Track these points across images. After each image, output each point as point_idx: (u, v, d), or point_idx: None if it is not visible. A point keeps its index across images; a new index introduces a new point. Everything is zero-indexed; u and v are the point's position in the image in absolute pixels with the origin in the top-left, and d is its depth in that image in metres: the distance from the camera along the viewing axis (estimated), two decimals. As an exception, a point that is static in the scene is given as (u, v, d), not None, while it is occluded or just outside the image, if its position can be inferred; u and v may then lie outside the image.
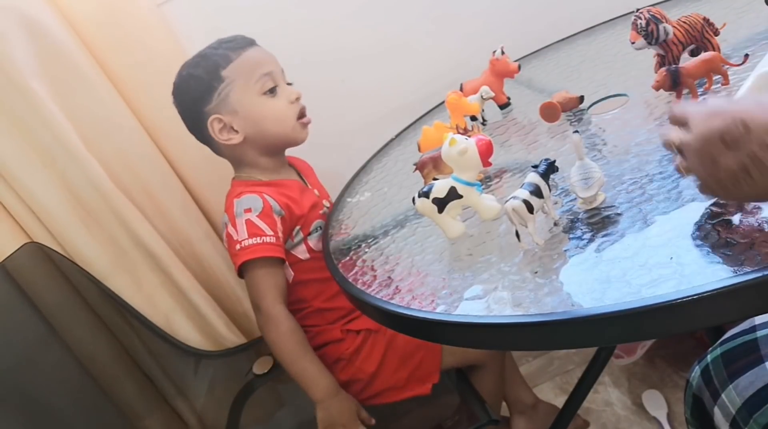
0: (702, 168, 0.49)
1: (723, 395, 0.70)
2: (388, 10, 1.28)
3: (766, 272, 0.45)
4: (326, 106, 1.29)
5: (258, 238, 0.94)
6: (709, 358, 0.75)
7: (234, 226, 0.95)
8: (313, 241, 1.01)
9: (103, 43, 1.12)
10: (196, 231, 1.22)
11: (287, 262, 0.99)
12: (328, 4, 1.25)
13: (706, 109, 0.49)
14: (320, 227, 1.02)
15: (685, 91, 0.76)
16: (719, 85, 0.76)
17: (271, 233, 0.95)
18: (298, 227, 1.00)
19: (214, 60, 0.97)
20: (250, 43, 1.00)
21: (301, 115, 1.02)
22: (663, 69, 0.76)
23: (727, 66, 0.75)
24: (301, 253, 1.01)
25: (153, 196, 1.18)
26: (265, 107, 0.98)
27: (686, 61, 0.77)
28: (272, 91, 0.99)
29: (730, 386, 0.70)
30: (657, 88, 0.77)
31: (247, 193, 0.98)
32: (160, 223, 1.18)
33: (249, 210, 0.95)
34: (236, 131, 0.98)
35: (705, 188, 0.51)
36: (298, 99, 1.01)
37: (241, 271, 0.95)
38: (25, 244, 1.07)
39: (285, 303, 0.96)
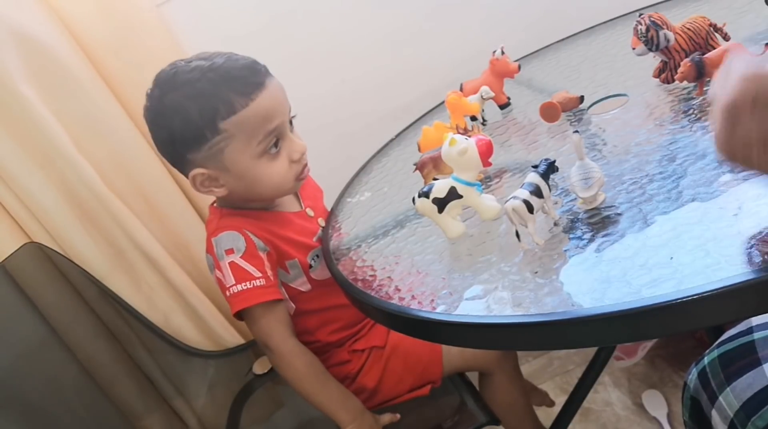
0: (720, 127, 0.46)
1: (720, 398, 0.70)
2: (388, 10, 1.28)
3: (766, 272, 0.45)
4: (326, 106, 1.29)
5: (247, 283, 0.85)
6: (706, 360, 0.75)
7: (219, 270, 0.87)
8: (315, 273, 0.93)
9: (101, 45, 1.12)
10: (192, 233, 1.22)
11: (288, 295, 0.92)
12: (329, 4, 1.25)
13: (756, 66, 0.44)
14: (318, 256, 0.93)
15: (707, 80, 0.76)
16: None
17: (260, 275, 0.85)
18: (293, 260, 0.91)
19: (213, 104, 0.79)
20: (261, 83, 0.81)
21: (301, 171, 0.88)
22: (687, 60, 0.75)
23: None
24: (302, 285, 0.93)
25: (149, 199, 1.18)
26: (262, 171, 0.84)
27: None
28: (275, 147, 0.84)
29: (728, 389, 0.69)
30: (681, 80, 0.76)
31: (224, 229, 0.87)
32: (155, 225, 1.18)
33: (231, 251, 0.86)
34: (221, 185, 0.85)
35: (719, 146, 0.47)
36: (302, 156, 0.87)
37: (239, 315, 0.88)
38: (25, 244, 1.07)
39: (294, 334, 0.90)
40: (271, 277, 0.88)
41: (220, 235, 0.87)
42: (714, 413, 0.71)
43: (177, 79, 0.81)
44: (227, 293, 0.87)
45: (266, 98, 0.82)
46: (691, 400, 0.77)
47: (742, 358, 0.70)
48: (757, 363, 0.68)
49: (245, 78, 0.81)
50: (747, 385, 0.67)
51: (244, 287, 0.85)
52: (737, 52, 0.47)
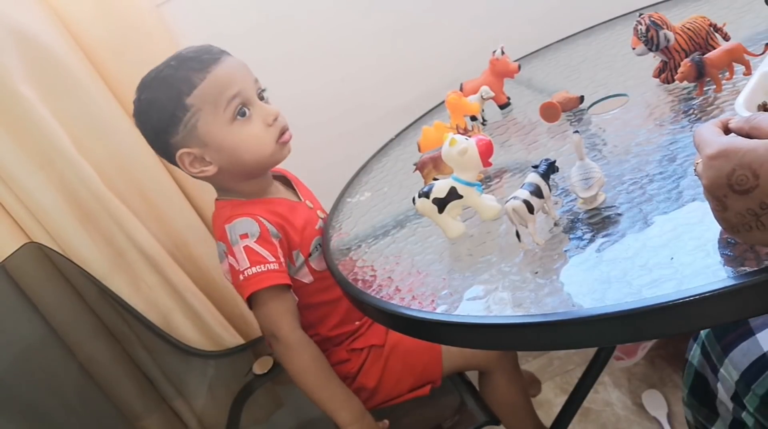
0: (713, 207, 0.47)
1: (722, 369, 0.71)
2: (388, 9, 1.28)
3: (766, 273, 0.45)
4: (326, 106, 1.29)
5: (262, 266, 0.86)
6: (702, 333, 0.75)
7: (233, 255, 0.88)
8: (315, 262, 0.95)
9: (101, 45, 1.12)
10: (192, 233, 1.22)
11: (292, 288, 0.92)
12: (328, 4, 1.25)
13: (717, 146, 0.45)
14: (320, 245, 0.94)
15: (707, 80, 0.76)
16: (741, 74, 0.75)
17: (273, 259, 0.87)
18: (297, 250, 0.93)
19: (176, 85, 0.86)
20: (216, 58, 0.87)
21: (281, 134, 0.91)
22: (687, 60, 0.75)
23: (749, 56, 0.74)
24: (304, 276, 0.95)
25: (148, 199, 1.18)
26: (238, 136, 0.88)
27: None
28: (243, 113, 0.88)
29: (726, 360, 0.70)
30: (681, 80, 0.76)
31: (238, 216, 0.89)
32: (155, 225, 1.18)
33: (245, 235, 0.88)
34: (209, 163, 0.89)
35: (720, 223, 0.48)
36: (275, 119, 0.90)
37: (249, 301, 0.88)
38: (25, 244, 1.07)
39: (300, 327, 0.90)
40: (283, 264, 0.89)
41: (235, 221, 0.89)
42: (719, 386, 0.72)
43: (148, 78, 0.89)
44: (240, 277, 0.87)
45: (222, 69, 0.87)
46: (695, 375, 0.77)
47: (735, 329, 0.71)
48: (750, 333, 0.69)
49: (200, 56, 0.88)
50: (743, 354, 0.68)
51: (259, 270, 0.86)
52: (699, 128, 0.49)
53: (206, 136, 0.87)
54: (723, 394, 0.71)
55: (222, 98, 0.86)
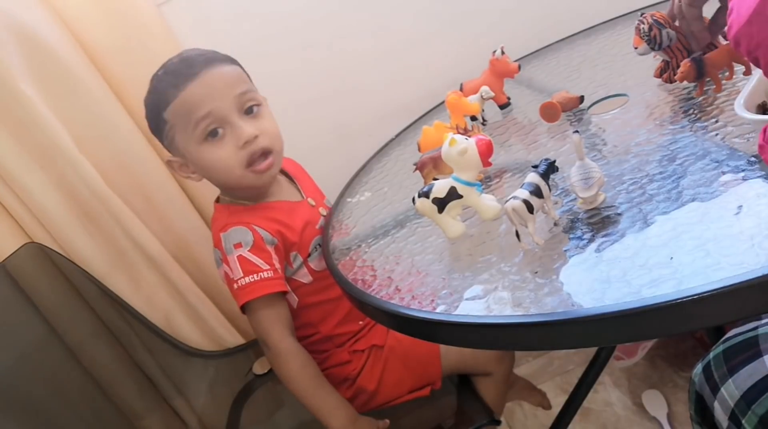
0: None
1: (722, 389, 0.71)
2: (389, 10, 1.28)
3: (766, 272, 0.45)
4: (326, 106, 1.29)
5: (255, 276, 0.88)
6: (711, 355, 0.76)
7: (227, 263, 0.89)
8: (314, 262, 0.96)
9: (102, 45, 1.12)
10: (193, 233, 1.22)
11: (290, 288, 0.93)
12: (329, 5, 1.25)
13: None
14: (320, 245, 0.95)
15: (707, 80, 0.76)
16: (741, 74, 0.75)
17: (267, 267, 0.88)
18: (295, 253, 0.94)
19: (157, 98, 0.87)
20: (194, 73, 0.85)
21: (251, 161, 0.88)
22: (687, 59, 0.75)
23: None
24: (303, 276, 0.96)
25: (150, 198, 1.18)
26: (206, 157, 0.88)
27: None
28: (215, 133, 0.86)
29: (729, 380, 0.70)
30: (681, 80, 0.76)
31: (233, 225, 0.90)
32: (157, 225, 1.18)
33: (239, 245, 0.89)
34: (192, 171, 0.92)
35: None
36: (247, 143, 0.87)
37: (243, 309, 0.90)
38: (25, 244, 1.07)
39: (293, 334, 0.91)
40: (279, 270, 0.90)
41: (229, 230, 0.90)
42: (716, 405, 0.72)
43: (151, 78, 0.91)
44: (234, 286, 0.88)
45: (196, 87, 0.85)
46: (696, 395, 0.77)
47: (744, 352, 0.71)
48: (758, 355, 0.69)
49: (179, 71, 0.87)
50: (747, 375, 0.69)
51: (252, 279, 0.88)
52: None
53: (182, 150, 0.90)
54: (720, 414, 0.71)
55: (191, 118, 0.86)
